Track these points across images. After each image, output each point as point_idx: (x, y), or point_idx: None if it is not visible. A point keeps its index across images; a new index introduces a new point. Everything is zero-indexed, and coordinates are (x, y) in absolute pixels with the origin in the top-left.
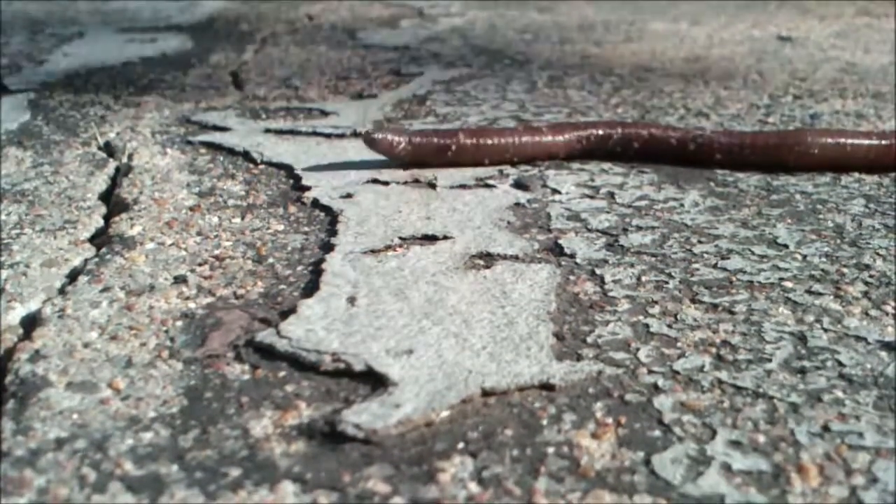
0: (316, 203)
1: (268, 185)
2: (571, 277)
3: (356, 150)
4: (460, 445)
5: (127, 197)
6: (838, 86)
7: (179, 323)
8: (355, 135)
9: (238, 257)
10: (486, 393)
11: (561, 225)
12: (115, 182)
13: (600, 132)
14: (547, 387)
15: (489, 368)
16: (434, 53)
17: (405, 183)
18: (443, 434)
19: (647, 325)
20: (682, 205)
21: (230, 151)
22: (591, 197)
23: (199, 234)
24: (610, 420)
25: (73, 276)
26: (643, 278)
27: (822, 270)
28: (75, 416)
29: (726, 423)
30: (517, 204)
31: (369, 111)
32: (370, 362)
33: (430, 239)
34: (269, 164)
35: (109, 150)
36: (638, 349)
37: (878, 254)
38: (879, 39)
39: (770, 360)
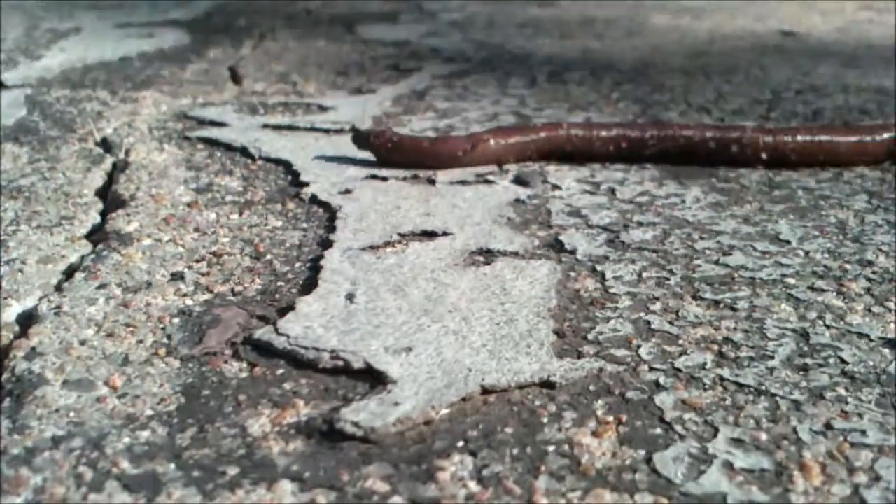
0: (314, 199)
1: (266, 180)
2: (572, 274)
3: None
4: (460, 444)
5: (124, 193)
6: (840, 81)
7: (177, 320)
8: (354, 131)
9: (236, 254)
10: (485, 391)
11: (561, 221)
12: (112, 178)
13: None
14: (547, 384)
15: (489, 366)
16: (433, 48)
17: (404, 179)
18: (442, 432)
19: (648, 322)
20: (683, 201)
21: (228, 147)
22: (592, 193)
23: (196, 230)
24: (611, 418)
25: (69, 273)
26: (644, 275)
27: (825, 267)
28: (72, 414)
29: (728, 420)
30: (517, 200)
31: (368, 106)
32: (369, 360)
33: (430, 235)
34: (267, 159)
35: (106, 145)
36: (639, 346)
37: (880, 250)
38: (881, 34)
39: (772, 358)
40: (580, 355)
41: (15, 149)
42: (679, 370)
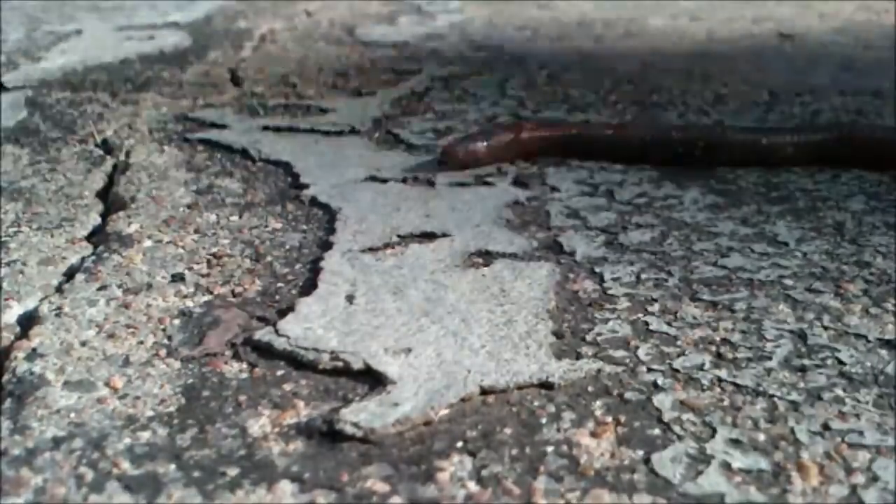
0: (314, 201)
1: (266, 182)
2: (571, 275)
3: (354, 148)
4: (459, 444)
5: (124, 195)
6: (838, 83)
7: (177, 321)
8: (353, 132)
9: (236, 255)
10: (484, 392)
11: (560, 223)
12: (112, 180)
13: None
14: (546, 385)
15: (488, 367)
16: (433, 50)
17: (403, 180)
18: (441, 433)
19: (646, 323)
20: (681, 202)
21: (228, 149)
22: (591, 195)
23: (196, 231)
24: (609, 419)
25: (70, 275)
26: (643, 276)
27: (823, 268)
28: (72, 414)
29: (726, 421)
30: (516, 202)
31: (368, 108)
32: (369, 361)
33: (429, 237)
34: (267, 161)
35: (107, 147)
36: (637, 347)
37: (878, 251)
38: (880, 35)
39: (770, 358)
40: (579, 356)
41: (16, 150)
42: (677, 371)
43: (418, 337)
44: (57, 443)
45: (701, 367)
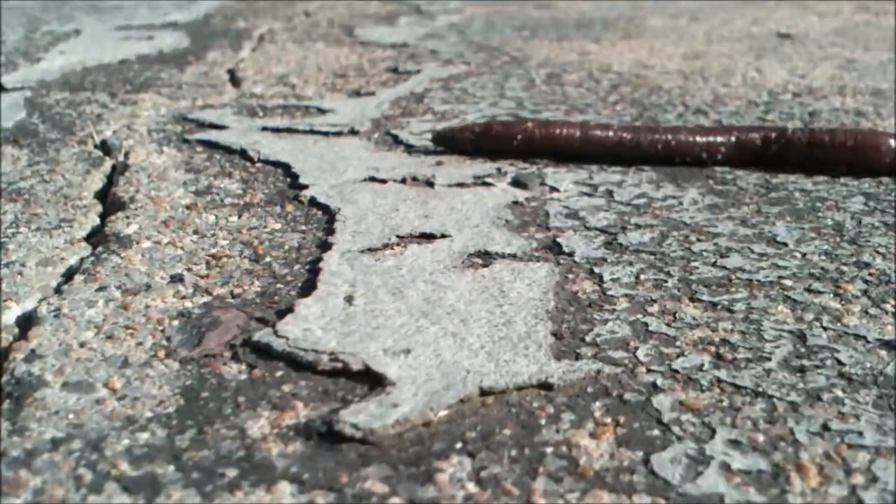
0: (313, 201)
1: (265, 183)
2: (570, 276)
3: (353, 148)
4: (458, 445)
5: (123, 195)
6: (837, 83)
7: (176, 322)
8: (352, 132)
9: (235, 256)
10: (484, 392)
11: (559, 223)
12: (111, 180)
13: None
14: (545, 386)
15: (487, 368)
16: (432, 51)
17: (403, 181)
18: (441, 434)
19: (645, 324)
20: (680, 203)
21: (227, 149)
22: (590, 195)
23: (195, 232)
24: (609, 419)
25: (69, 275)
26: (642, 277)
27: (822, 269)
28: (71, 416)
29: (725, 422)
30: (515, 202)
31: (367, 109)
32: (368, 362)
33: (428, 237)
34: (266, 162)
35: (106, 148)
36: (637, 348)
37: (877, 252)
38: (879, 36)
39: (769, 359)
40: (578, 357)
41: (14, 151)
42: (676, 372)
43: (417, 338)
44: (56, 444)
45: (700, 368)
